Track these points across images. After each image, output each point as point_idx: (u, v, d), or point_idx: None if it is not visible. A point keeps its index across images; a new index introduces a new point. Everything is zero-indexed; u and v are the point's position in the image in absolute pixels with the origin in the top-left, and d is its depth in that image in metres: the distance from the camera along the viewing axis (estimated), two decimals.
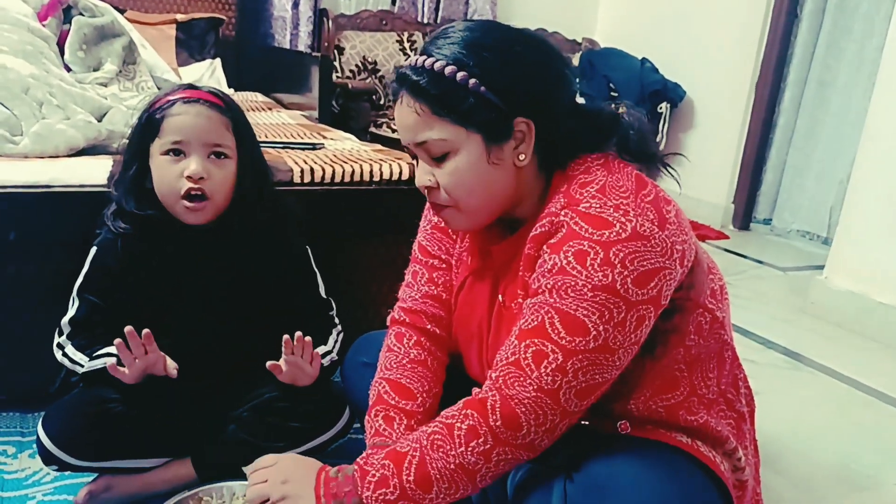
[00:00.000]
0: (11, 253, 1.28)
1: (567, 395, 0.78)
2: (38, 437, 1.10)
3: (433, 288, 1.04)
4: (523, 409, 0.78)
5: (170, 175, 1.08)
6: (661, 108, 3.60)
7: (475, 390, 0.84)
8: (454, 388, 1.01)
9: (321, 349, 1.17)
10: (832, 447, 1.54)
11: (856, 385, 1.86)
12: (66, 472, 1.16)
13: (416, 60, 0.85)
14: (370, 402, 0.99)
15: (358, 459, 0.85)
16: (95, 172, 1.30)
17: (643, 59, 3.70)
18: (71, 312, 1.14)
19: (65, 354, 1.12)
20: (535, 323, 0.79)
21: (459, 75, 0.81)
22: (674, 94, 3.60)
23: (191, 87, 1.14)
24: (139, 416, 1.13)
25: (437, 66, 0.82)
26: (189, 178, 1.07)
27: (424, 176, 0.88)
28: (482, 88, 0.82)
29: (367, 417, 0.97)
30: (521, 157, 0.85)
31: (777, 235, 3.48)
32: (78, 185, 1.29)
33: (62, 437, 1.09)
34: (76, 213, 1.26)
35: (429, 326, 1.03)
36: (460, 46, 0.83)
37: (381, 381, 1.00)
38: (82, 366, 1.09)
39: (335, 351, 1.21)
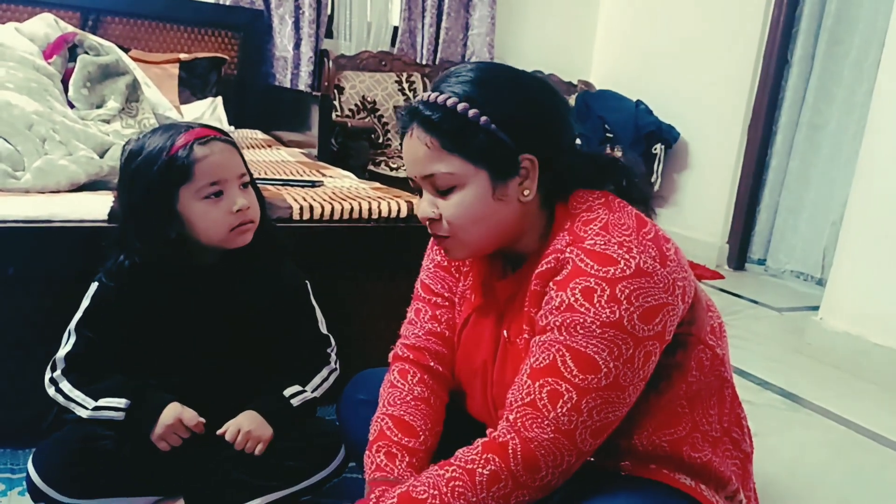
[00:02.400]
0: (10, 288, 1.28)
1: (583, 434, 0.78)
2: (27, 472, 1.09)
3: (436, 325, 1.04)
4: (542, 452, 0.78)
5: (217, 216, 1.10)
6: (655, 149, 3.65)
7: (490, 432, 0.83)
8: (453, 427, 1.00)
9: (292, 389, 1.18)
10: (832, 490, 1.52)
11: (854, 427, 1.85)
12: None
13: (429, 96, 0.86)
14: (371, 438, 0.97)
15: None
16: (96, 208, 1.32)
17: (638, 101, 3.77)
18: (67, 348, 1.13)
19: (59, 390, 1.11)
20: (547, 361, 0.79)
21: (471, 112, 0.83)
22: (668, 136, 3.65)
23: (189, 126, 1.13)
24: (131, 453, 1.12)
25: (450, 102, 0.84)
26: (240, 211, 1.10)
27: (428, 208, 0.89)
28: (492, 126, 0.83)
29: (367, 453, 0.96)
30: (526, 192, 0.87)
31: (772, 276, 3.50)
32: (78, 221, 1.30)
33: (52, 474, 1.08)
34: (76, 249, 1.27)
35: (432, 364, 1.02)
36: (471, 84, 0.85)
37: (383, 417, 0.99)
38: (80, 404, 1.08)
39: (317, 391, 1.21)
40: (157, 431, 1.08)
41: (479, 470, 0.79)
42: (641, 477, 0.86)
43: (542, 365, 0.80)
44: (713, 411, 0.90)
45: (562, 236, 0.85)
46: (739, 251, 3.56)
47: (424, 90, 3.61)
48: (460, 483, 0.79)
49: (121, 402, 1.08)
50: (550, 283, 0.83)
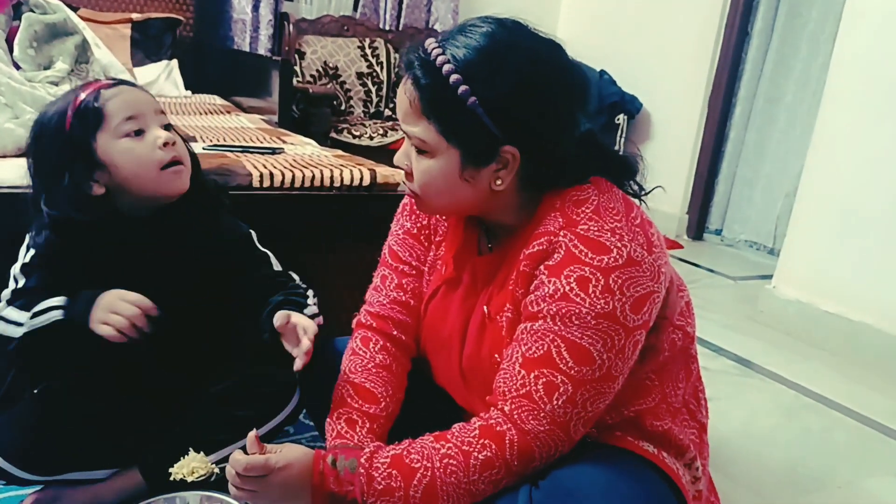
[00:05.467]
0: None
1: (576, 425, 0.80)
2: None
3: (402, 294, 1.03)
4: (538, 444, 0.79)
5: (143, 151, 1.03)
6: (618, 119, 3.67)
7: (487, 417, 0.82)
8: (415, 393, 1.01)
9: (308, 311, 1.07)
10: (781, 451, 1.59)
11: (803, 391, 1.93)
12: (13, 486, 1.11)
13: (431, 50, 0.80)
14: (332, 405, 0.97)
15: (360, 459, 0.82)
16: None
17: (601, 71, 3.77)
18: (13, 286, 1.04)
19: (1, 318, 1.01)
20: (542, 352, 0.79)
21: (461, 88, 0.77)
22: (631, 107, 3.68)
23: (94, 80, 1.07)
24: (90, 426, 1.08)
25: (445, 69, 0.78)
26: (166, 145, 1.04)
27: (402, 157, 0.88)
28: (479, 109, 0.78)
29: (328, 420, 0.95)
30: (499, 182, 0.83)
31: (728, 245, 3.58)
32: (26, 186, 1.24)
33: (10, 450, 1.04)
34: (22, 214, 1.22)
35: (394, 333, 1.02)
36: (478, 52, 0.78)
37: (344, 385, 0.98)
38: (15, 322, 0.99)
39: (317, 308, 1.12)
40: (97, 315, 0.96)
41: (475, 454, 0.79)
42: (607, 444, 0.88)
43: (536, 355, 0.79)
44: (681, 385, 0.93)
45: (553, 217, 0.83)
46: (698, 221, 3.64)
47: (388, 57, 3.57)
48: (454, 462, 0.79)
49: (58, 301, 0.98)
50: (541, 267, 0.82)
